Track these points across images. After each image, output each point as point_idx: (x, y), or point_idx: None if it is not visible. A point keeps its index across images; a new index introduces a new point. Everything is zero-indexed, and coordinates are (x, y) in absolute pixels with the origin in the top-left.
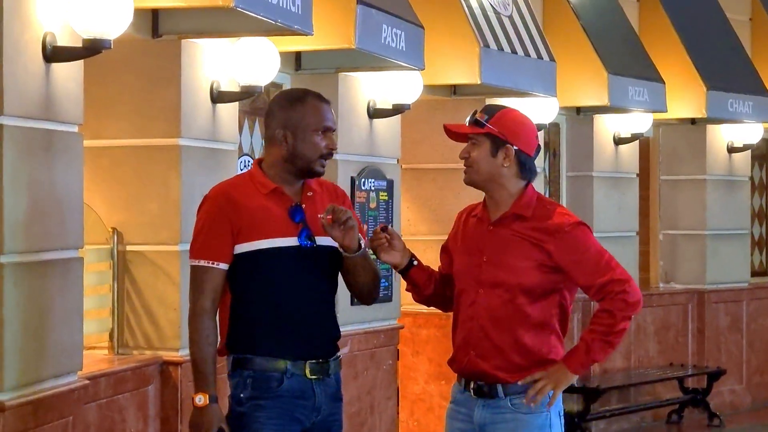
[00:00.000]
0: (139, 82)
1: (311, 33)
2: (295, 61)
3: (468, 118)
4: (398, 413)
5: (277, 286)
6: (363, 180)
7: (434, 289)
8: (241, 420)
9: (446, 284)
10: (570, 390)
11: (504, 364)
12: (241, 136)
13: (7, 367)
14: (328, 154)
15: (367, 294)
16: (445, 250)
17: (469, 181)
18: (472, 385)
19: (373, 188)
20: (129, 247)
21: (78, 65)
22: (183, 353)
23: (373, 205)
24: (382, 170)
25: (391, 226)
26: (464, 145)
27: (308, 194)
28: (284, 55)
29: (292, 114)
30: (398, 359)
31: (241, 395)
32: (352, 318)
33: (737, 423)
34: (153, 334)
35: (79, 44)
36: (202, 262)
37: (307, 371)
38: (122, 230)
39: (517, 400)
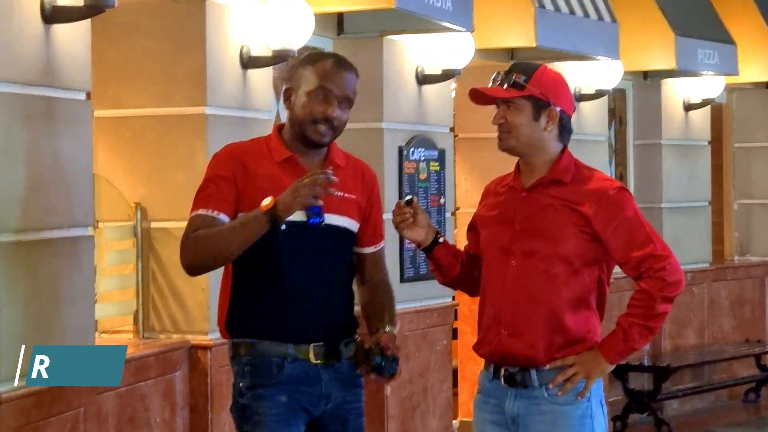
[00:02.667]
0: (161, 47)
1: None
2: (338, 24)
3: (500, 80)
4: (456, 395)
5: (279, 263)
6: (412, 149)
7: (461, 269)
8: (243, 413)
9: (474, 265)
10: (640, 369)
11: (539, 342)
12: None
13: (2, 355)
14: (324, 120)
15: None
16: (472, 228)
17: (505, 148)
18: (502, 372)
19: (423, 158)
20: (153, 224)
21: (84, 27)
22: (212, 336)
23: (423, 176)
24: (433, 139)
25: (444, 198)
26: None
27: (329, 168)
28: (325, 18)
29: (302, 72)
30: (455, 338)
31: (241, 384)
32: (402, 296)
33: None
34: (180, 317)
35: (81, 3)
36: (201, 211)
37: (311, 355)
38: (146, 206)
39: (553, 389)
